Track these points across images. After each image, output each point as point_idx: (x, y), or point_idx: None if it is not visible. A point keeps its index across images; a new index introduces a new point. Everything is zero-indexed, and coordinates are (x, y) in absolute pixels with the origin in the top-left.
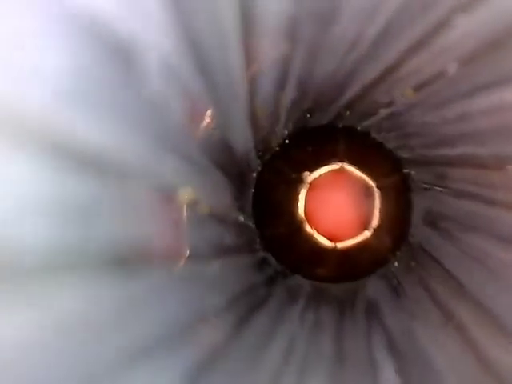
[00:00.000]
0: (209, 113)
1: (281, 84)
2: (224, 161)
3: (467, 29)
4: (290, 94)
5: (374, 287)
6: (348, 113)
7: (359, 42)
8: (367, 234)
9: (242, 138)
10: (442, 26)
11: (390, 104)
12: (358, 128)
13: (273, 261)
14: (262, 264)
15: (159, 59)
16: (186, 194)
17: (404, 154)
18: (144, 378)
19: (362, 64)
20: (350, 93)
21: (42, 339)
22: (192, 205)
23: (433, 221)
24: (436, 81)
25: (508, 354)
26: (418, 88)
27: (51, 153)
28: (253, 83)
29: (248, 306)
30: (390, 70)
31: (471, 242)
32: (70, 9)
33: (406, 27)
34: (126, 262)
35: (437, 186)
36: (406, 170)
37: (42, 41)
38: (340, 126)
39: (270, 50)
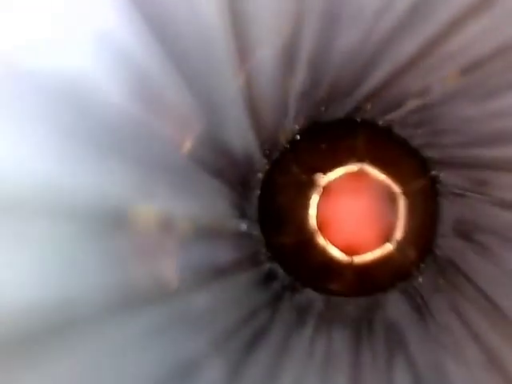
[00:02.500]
0: (196, 121)
1: (288, 68)
2: (221, 167)
3: None
4: (299, 80)
5: (394, 305)
6: (369, 105)
7: (391, 7)
8: (389, 247)
9: (241, 137)
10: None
11: (422, 93)
12: (380, 123)
13: (280, 272)
14: (267, 278)
15: (130, 79)
16: (151, 213)
17: (432, 154)
18: None
19: (393, 38)
20: (375, 78)
21: None
22: (168, 225)
23: (465, 232)
24: (491, 62)
25: None
26: (467, 71)
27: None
28: (251, 73)
29: (249, 336)
30: (432, 46)
31: (500, 252)
32: None
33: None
34: (115, 310)
35: (473, 192)
36: (433, 173)
37: None
38: (359, 120)
39: (271, 33)
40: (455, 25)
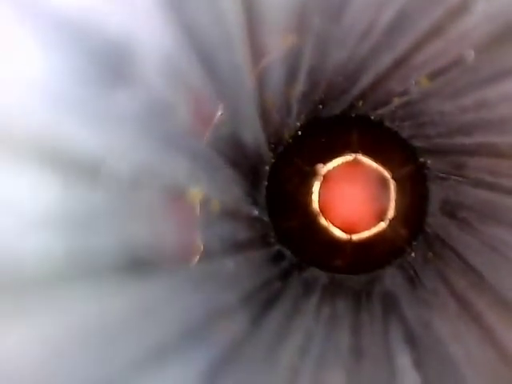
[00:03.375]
0: (217, 110)
1: (291, 76)
2: (235, 156)
3: (485, 14)
4: (300, 86)
5: (390, 278)
6: (361, 103)
7: (371, 32)
8: (383, 225)
9: (253, 133)
10: (458, 11)
11: (404, 93)
12: (372, 117)
13: (288, 254)
14: (277, 257)
15: (160, 59)
16: (197, 193)
17: (419, 144)
18: (160, 378)
19: (374, 53)
20: (363, 83)
21: (57, 347)
22: (204, 203)
23: (451, 211)
24: (452, 69)
25: None
26: (432, 77)
27: (52, 164)
28: (262, 77)
29: (263, 301)
30: (404, 59)
31: (491, 232)
32: (59, 14)
33: (421, 14)
34: (139, 264)
35: (454, 175)
36: (421, 160)
37: (32, 51)
38: (353, 115)
39: (278, 44)
40: (421, 44)
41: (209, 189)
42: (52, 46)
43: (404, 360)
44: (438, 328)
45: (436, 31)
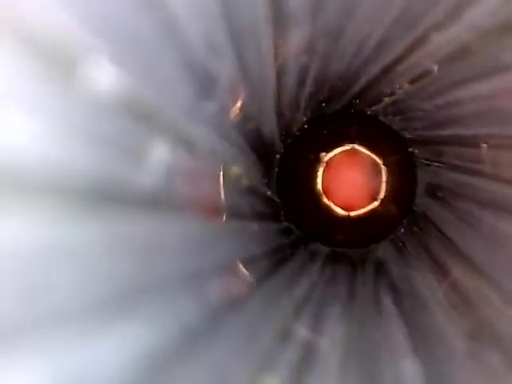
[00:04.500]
0: (241, 98)
1: (301, 81)
2: (254, 143)
3: (442, 41)
4: (308, 88)
5: (382, 250)
6: (358, 101)
7: (362, 50)
8: (375, 203)
9: (270, 124)
10: (421, 40)
11: (391, 94)
12: (368, 113)
13: (295, 229)
14: (286, 232)
15: (204, 34)
16: (235, 169)
17: (408, 135)
18: (162, 310)
19: (365, 65)
20: (358, 86)
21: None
22: (238, 178)
23: (433, 192)
24: (424, 77)
25: (501, 313)
26: (411, 82)
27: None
28: (278, 78)
29: (275, 260)
30: (389, 69)
31: (464, 208)
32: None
33: (398, 40)
34: (158, 203)
35: (435, 161)
36: (409, 149)
37: None
38: (351, 111)
39: (292, 54)
40: (400, 58)
41: (241, 168)
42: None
43: (387, 300)
44: (418, 283)
45: (409, 51)
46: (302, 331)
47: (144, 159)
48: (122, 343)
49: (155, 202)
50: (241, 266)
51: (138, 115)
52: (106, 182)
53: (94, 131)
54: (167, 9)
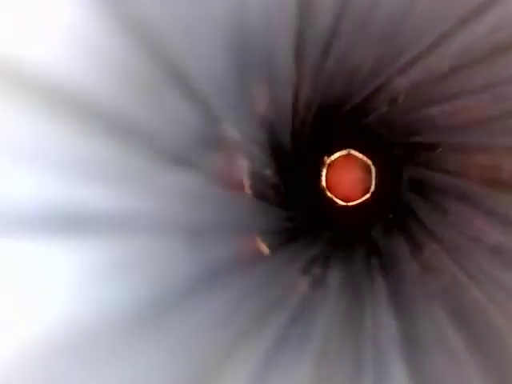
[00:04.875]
0: (267, 101)
1: (309, 104)
2: (271, 142)
3: (422, 69)
4: (314, 106)
5: (374, 232)
6: (353, 113)
7: (358, 73)
8: (367, 196)
9: (285, 130)
10: (406, 67)
11: (377, 110)
12: (361, 124)
13: (300, 217)
14: (291, 218)
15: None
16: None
17: (393, 141)
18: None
19: (360, 86)
20: (354, 101)
21: None
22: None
23: (414, 187)
24: (393, 102)
25: (461, 284)
26: (389, 105)
27: None
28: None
29: (284, 239)
30: (378, 90)
31: (437, 200)
32: None
33: (387, 67)
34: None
35: (415, 162)
36: (395, 152)
37: None
38: (348, 123)
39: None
40: (387, 82)
41: (260, 161)
42: None
43: (376, 271)
44: (398, 256)
45: (395, 76)
46: (303, 286)
47: None
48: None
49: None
50: (258, 237)
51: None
52: None
53: None
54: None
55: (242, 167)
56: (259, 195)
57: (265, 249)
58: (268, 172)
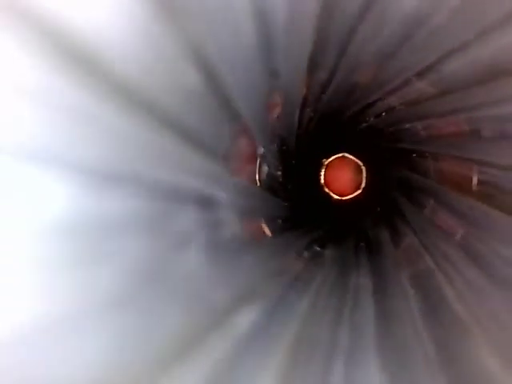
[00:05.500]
0: (279, 111)
1: (311, 116)
2: (279, 147)
3: (413, 90)
4: (316, 118)
5: (364, 223)
6: (347, 124)
7: (354, 92)
8: (359, 191)
9: (290, 135)
10: (399, 87)
11: (369, 121)
12: (354, 131)
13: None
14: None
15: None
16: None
17: (382, 146)
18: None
19: (355, 103)
20: (349, 113)
21: None
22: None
23: (400, 185)
24: (384, 115)
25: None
26: (376, 117)
27: None
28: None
29: (286, 225)
30: (369, 106)
31: (416, 197)
32: None
33: (379, 88)
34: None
35: (399, 165)
36: (383, 156)
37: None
38: (342, 130)
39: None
40: (380, 99)
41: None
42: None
43: (363, 259)
44: (383, 240)
45: (388, 95)
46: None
47: None
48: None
49: None
50: (263, 221)
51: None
52: None
53: None
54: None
55: (255, 163)
56: (268, 188)
57: (268, 231)
58: (276, 171)
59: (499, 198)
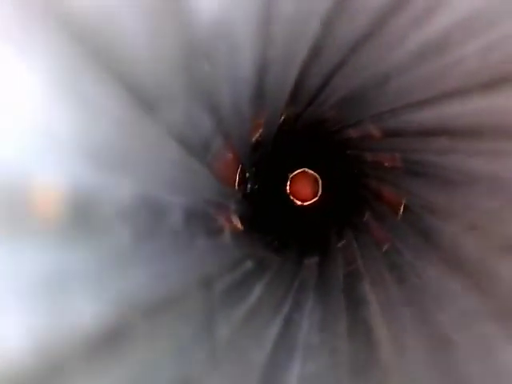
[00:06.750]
0: (261, 130)
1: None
2: (256, 161)
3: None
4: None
5: (319, 224)
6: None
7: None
8: (316, 198)
9: (266, 151)
10: (359, 121)
11: (328, 145)
12: (318, 150)
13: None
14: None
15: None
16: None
17: (338, 164)
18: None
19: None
20: (318, 137)
21: None
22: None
23: (348, 196)
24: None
25: (411, 263)
26: (335, 143)
27: None
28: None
29: (257, 223)
30: (325, 138)
31: (359, 207)
32: None
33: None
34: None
35: (349, 181)
36: (338, 172)
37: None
38: (302, 150)
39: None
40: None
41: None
42: None
43: (313, 250)
44: (330, 239)
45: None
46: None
47: None
48: None
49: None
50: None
51: None
52: None
53: None
54: None
55: (235, 172)
56: (244, 194)
57: (240, 225)
58: (252, 181)
59: (419, 222)
